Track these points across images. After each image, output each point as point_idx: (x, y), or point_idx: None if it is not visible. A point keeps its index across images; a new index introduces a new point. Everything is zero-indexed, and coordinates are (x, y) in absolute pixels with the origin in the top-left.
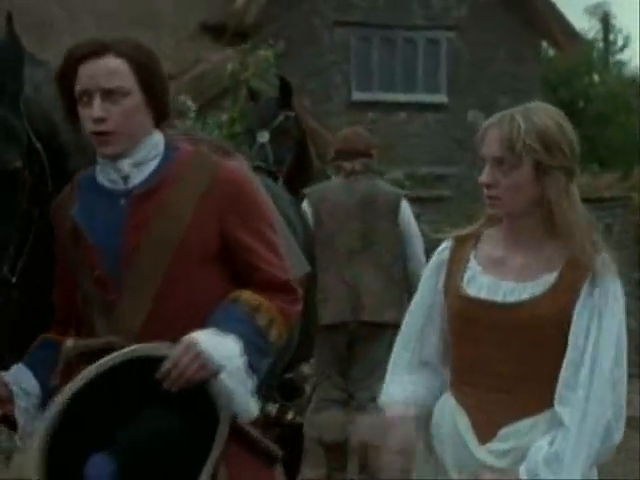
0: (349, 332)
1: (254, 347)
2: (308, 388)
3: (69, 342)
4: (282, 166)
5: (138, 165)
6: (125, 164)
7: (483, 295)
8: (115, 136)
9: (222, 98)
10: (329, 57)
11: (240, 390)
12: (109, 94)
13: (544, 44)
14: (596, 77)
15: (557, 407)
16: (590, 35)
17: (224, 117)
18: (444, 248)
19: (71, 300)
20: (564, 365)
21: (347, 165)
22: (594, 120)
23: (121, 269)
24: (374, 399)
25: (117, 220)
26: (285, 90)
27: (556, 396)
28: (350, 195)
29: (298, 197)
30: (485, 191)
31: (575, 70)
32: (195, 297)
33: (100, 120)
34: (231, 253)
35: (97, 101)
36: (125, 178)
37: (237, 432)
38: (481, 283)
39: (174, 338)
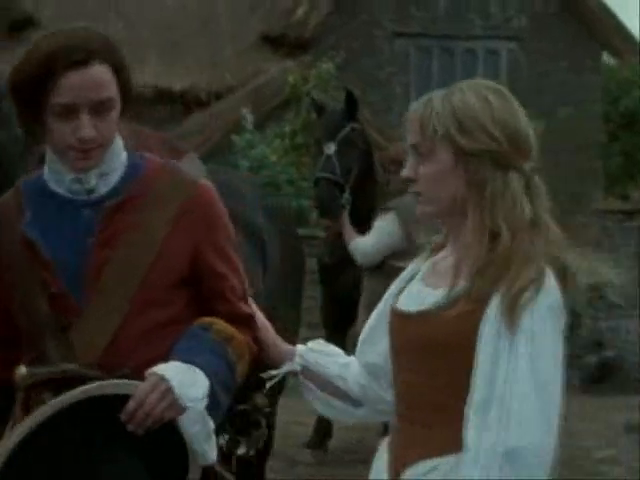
0: None
1: (222, 384)
2: (262, 420)
3: (22, 370)
4: (349, 177)
5: (104, 175)
6: (92, 176)
7: (400, 304)
8: (97, 151)
9: (283, 109)
10: (389, 68)
11: (200, 436)
12: (97, 107)
13: (604, 54)
14: None
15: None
16: None
17: (287, 128)
18: (419, 257)
19: (2, 319)
20: (468, 400)
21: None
22: None
23: (83, 288)
24: None
25: (79, 234)
26: (351, 102)
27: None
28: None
29: (368, 208)
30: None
31: (636, 79)
32: (161, 323)
33: (86, 139)
34: (200, 278)
35: (85, 117)
36: (90, 190)
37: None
38: (409, 292)
39: (136, 366)
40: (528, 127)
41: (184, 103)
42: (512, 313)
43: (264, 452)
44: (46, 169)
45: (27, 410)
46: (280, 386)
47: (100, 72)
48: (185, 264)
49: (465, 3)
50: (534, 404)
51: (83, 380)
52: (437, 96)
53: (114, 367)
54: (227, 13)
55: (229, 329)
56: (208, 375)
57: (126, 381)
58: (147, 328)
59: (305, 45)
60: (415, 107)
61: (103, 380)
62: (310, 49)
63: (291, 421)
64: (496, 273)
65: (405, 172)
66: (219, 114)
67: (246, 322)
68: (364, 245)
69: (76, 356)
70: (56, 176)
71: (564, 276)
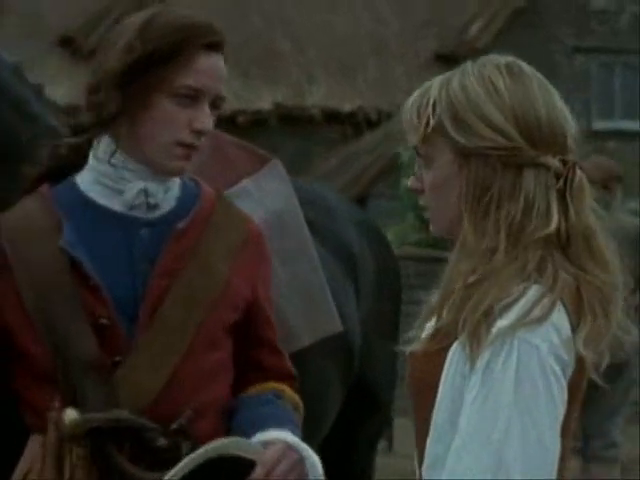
0: None
1: None
2: None
3: (71, 414)
4: None
5: (168, 191)
6: (161, 189)
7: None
8: (195, 154)
9: None
10: (568, 85)
11: None
12: (214, 101)
13: None
14: None
15: None
16: None
17: None
18: None
19: None
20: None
21: None
22: None
23: (136, 321)
24: (610, 447)
25: (134, 257)
26: None
27: None
28: None
29: None
30: None
31: None
32: (215, 368)
33: (205, 132)
34: (249, 323)
35: (207, 108)
36: (153, 206)
37: None
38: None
39: (189, 411)
40: (556, 110)
41: (354, 123)
42: (471, 345)
43: None
44: (88, 177)
45: (61, 464)
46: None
47: (223, 64)
48: (243, 306)
49: None
50: (463, 467)
51: (138, 431)
52: (436, 83)
53: (167, 416)
54: (398, 32)
55: (296, 397)
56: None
57: (249, 442)
58: (203, 372)
59: None
60: (412, 98)
61: (158, 430)
62: None
63: None
64: (469, 296)
65: (409, 182)
66: (390, 134)
67: (292, 381)
68: None
69: (119, 400)
70: (114, 184)
71: (604, 310)
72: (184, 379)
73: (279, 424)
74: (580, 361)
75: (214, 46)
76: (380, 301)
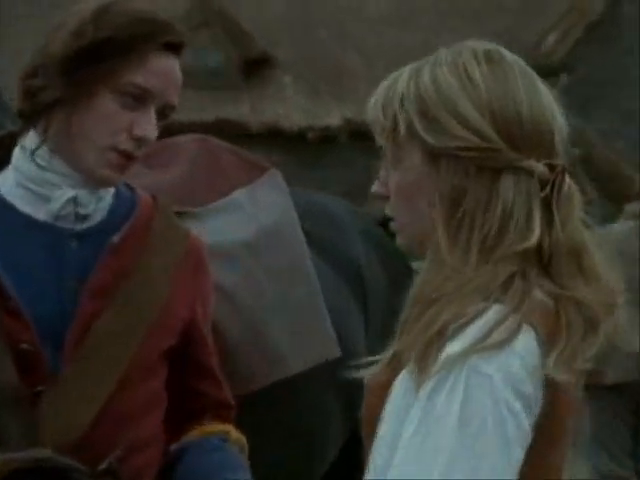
0: (636, 395)
1: None
2: None
3: None
4: None
5: (99, 200)
6: (93, 199)
7: None
8: (132, 166)
9: None
10: None
11: None
12: (161, 110)
13: None
14: None
15: None
16: None
17: None
18: None
19: None
20: None
21: (629, 207)
22: None
23: (61, 347)
24: None
25: (62, 273)
26: None
27: None
28: (632, 242)
29: None
30: None
31: None
32: (148, 399)
33: (146, 141)
34: (186, 348)
35: (152, 115)
36: (83, 216)
37: None
38: None
39: (120, 451)
40: (541, 105)
41: None
42: (418, 371)
43: None
44: (10, 179)
45: None
46: None
47: (179, 69)
48: (180, 327)
49: None
50: None
51: (62, 472)
52: (406, 72)
53: (96, 454)
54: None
55: (242, 438)
56: None
57: None
58: (137, 404)
59: (554, 76)
60: (379, 90)
61: (85, 472)
62: (559, 80)
63: None
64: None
65: (374, 186)
66: None
67: (231, 414)
68: None
69: (42, 437)
70: (39, 189)
71: (592, 328)
72: (116, 413)
73: (234, 472)
74: (555, 394)
75: (172, 47)
76: (391, 322)
